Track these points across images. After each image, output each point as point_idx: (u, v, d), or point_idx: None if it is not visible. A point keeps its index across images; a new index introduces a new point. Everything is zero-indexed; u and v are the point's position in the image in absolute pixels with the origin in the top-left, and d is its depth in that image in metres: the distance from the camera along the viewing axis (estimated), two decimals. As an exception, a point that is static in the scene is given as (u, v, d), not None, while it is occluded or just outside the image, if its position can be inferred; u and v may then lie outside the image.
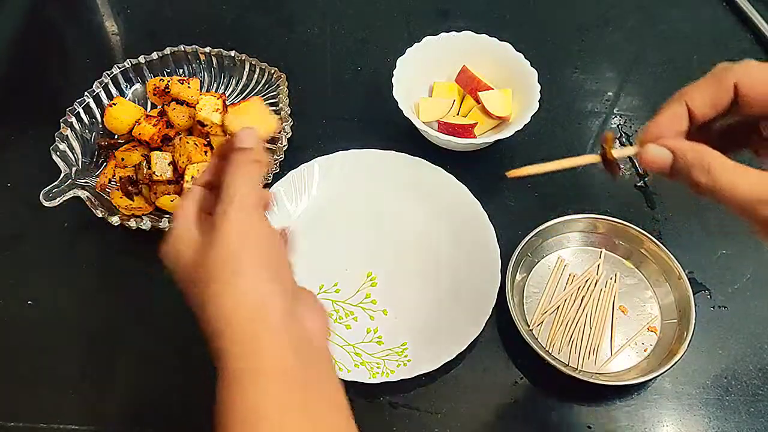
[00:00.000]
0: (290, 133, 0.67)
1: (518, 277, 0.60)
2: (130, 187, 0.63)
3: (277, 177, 0.65)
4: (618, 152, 0.39)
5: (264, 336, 0.32)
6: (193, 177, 0.61)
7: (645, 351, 0.58)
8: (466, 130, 0.67)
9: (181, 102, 0.67)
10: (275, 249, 0.36)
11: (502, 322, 0.59)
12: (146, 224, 0.60)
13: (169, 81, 0.67)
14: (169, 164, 0.63)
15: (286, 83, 0.69)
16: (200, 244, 0.35)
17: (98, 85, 0.67)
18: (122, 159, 0.65)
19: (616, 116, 0.75)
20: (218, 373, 0.34)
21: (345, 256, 0.63)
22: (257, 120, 0.44)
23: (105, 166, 0.66)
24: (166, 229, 0.39)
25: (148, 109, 0.70)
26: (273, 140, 0.68)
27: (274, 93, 0.70)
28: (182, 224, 0.37)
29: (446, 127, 0.68)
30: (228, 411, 0.33)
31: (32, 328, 0.59)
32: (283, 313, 0.33)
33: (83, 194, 0.60)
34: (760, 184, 0.32)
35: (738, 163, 0.34)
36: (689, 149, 0.35)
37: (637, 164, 0.41)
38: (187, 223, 0.37)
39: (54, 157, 0.62)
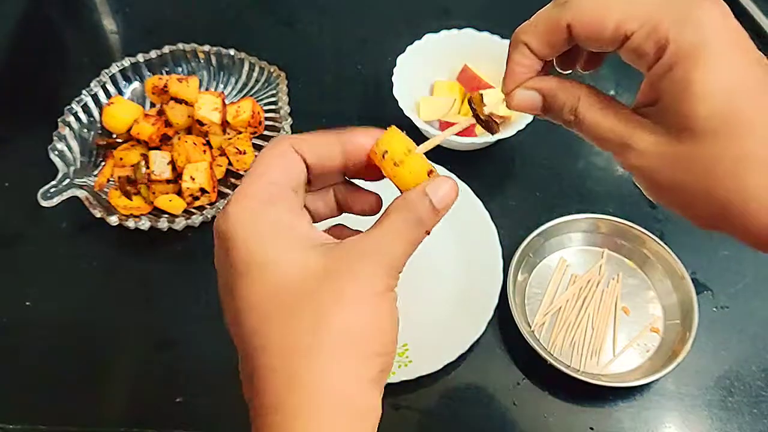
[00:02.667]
0: (290, 132, 0.67)
1: (520, 277, 0.60)
2: (128, 187, 0.62)
3: (276, 176, 0.65)
4: (489, 108, 0.36)
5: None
6: (191, 177, 0.60)
7: (647, 352, 0.57)
8: (467, 130, 0.67)
9: (179, 101, 0.66)
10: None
11: (503, 322, 0.58)
12: (145, 224, 0.59)
13: (167, 80, 0.67)
14: (167, 164, 0.62)
15: (286, 82, 0.69)
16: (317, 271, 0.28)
17: (96, 84, 0.67)
18: (120, 158, 0.64)
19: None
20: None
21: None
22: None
23: (103, 166, 0.65)
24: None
25: (147, 108, 0.70)
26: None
27: (274, 92, 0.70)
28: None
29: (447, 126, 0.67)
30: None
31: (31, 328, 0.59)
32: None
33: (81, 194, 0.59)
34: (619, 126, 0.32)
35: (605, 100, 0.33)
36: (558, 88, 0.34)
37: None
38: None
39: (52, 156, 0.61)
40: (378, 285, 0.28)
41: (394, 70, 0.67)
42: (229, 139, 0.66)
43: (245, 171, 0.66)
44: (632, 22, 0.29)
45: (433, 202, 0.31)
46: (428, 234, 0.31)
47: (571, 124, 0.33)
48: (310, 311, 0.26)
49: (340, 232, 0.34)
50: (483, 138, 0.66)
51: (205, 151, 0.64)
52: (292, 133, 0.67)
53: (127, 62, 0.69)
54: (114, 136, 0.67)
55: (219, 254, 0.29)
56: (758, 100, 0.28)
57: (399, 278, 0.30)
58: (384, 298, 0.29)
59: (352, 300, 0.27)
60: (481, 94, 0.37)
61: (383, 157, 0.34)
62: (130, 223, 0.59)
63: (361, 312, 0.27)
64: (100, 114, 0.67)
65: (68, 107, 0.65)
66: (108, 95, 0.68)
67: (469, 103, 0.37)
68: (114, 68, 0.68)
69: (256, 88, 0.72)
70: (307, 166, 0.32)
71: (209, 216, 0.61)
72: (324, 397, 0.26)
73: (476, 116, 0.37)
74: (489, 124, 0.37)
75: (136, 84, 0.70)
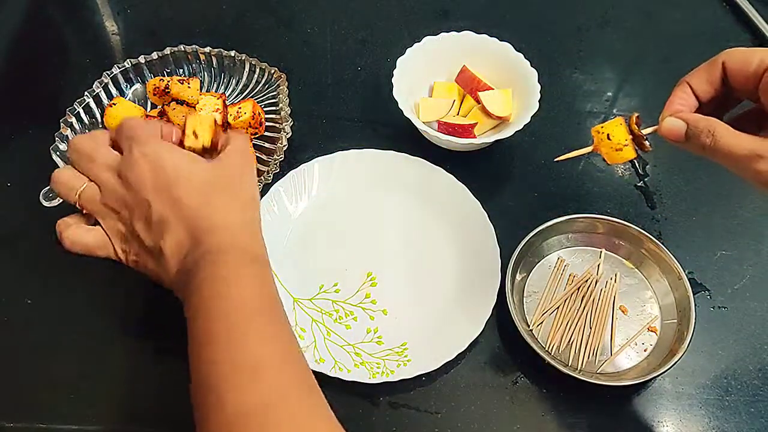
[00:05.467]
0: (290, 133, 0.67)
1: (518, 276, 0.60)
2: (129, 187, 0.63)
3: (277, 177, 0.65)
4: (645, 130, 0.47)
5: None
6: (194, 132, 0.57)
7: (645, 351, 0.58)
8: (466, 130, 0.67)
9: (181, 102, 0.66)
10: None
11: (502, 322, 0.59)
12: (146, 224, 0.60)
13: (169, 81, 0.67)
14: (169, 164, 0.63)
15: (287, 83, 0.69)
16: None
17: (98, 85, 0.67)
18: (122, 159, 0.65)
19: (615, 116, 0.75)
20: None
21: (345, 256, 0.63)
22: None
23: (105, 166, 0.66)
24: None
25: (148, 109, 0.70)
26: (273, 140, 0.68)
27: (274, 93, 0.70)
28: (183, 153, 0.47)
29: (446, 127, 0.68)
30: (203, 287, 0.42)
31: (32, 328, 0.59)
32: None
33: (83, 194, 0.60)
34: (753, 143, 0.40)
35: (735, 128, 0.42)
36: (699, 118, 0.43)
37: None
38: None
39: (54, 157, 0.62)
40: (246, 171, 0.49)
41: (394, 71, 0.68)
42: (230, 139, 0.66)
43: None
44: None
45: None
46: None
47: (707, 148, 0.43)
48: (230, 189, 0.46)
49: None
50: (482, 138, 0.67)
51: (205, 152, 0.64)
52: (293, 133, 0.67)
53: (128, 63, 0.69)
54: (115, 136, 0.67)
55: (144, 169, 0.44)
56: None
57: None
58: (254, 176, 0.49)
59: (241, 183, 0.47)
60: (638, 116, 0.48)
61: (608, 138, 0.49)
62: (131, 223, 0.59)
63: (247, 186, 0.48)
64: (102, 115, 0.67)
65: (70, 108, 0.65)
66: (109, 96, 0.68)
67: (629, 123, 0.48)
68: (115, 69, 0.69)
69: (256, 90, 0.72)
70: None
71: (210, 216, 0.61)
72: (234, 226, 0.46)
73: (632, 132, 0.48)
74: (641, 142, 0.48)
75: (137, 85, 0.71)
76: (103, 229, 0.47)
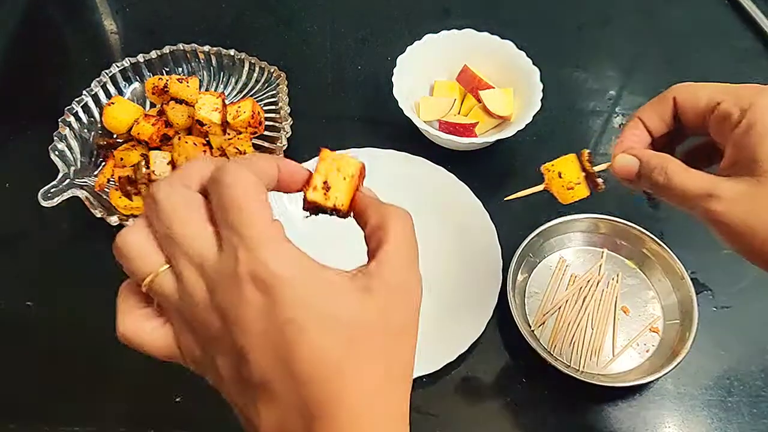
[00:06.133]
0: (290, 133, 0.67)
1: (520, 277, 0.60)
2: (128, 187, 0.62)
3: (276, 177, 0.65)
4: (598, 167, 0.45)
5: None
6: (326, 182, 0.47)
7: (647, 352, 0.57)
8: (467, 130, 0.67)
9: (180, 101, 0.66)
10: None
11: (503, 322, 0.58)
12: (145, 224, 0.59)
13: (168, 80, 0.67)
14: (168, 164, 0.62)
15: (286, 82, 0.69)
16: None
17: (97, 84, 0.67)
18: (121, 158, 0.64)
19: (618, 115, 0.74)
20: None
21: (345, 256, 0.62)
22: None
23: (104, 166, 0.65)
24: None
25: (147, 108, 0.70)
26: (273, 140, 0.68)
27: (274, 92, 0.70)
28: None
29: (447, 127, 0.67)
30: None
31: (32, 328, 0.59)
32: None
33: (82, 194, 0.59)
34: (705, 181, 0.39)
35: (688, 165, 0.41)
36: (652, 155, 0.42)
37: (648, 193, 0.51)
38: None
39: (52, 156, 0.61)
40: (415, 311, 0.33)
41: (394, 70, 0.68)
42: (230, 139, 0.66)
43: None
44: (720, 95, 0.40)
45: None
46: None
47: (660, 186, 0.41)
48: (381, 355, 0.29)
49: None
50: (483, 138, 0.66)
51: (205, 152, 0.64)
52: (293, 132, 0.67)
53: (127, 62, 0.69)
54: (114, 136, 0.67)
55: (252, 301, 0.26)
56: None
57: None
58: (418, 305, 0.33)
59: (409, 336, 0.32)
60: (590, 153, 0.46)
61: (559, 176, 0.46)
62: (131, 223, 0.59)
63: (411, 344, 0.32)
64: (101, 114, 0.67)
65: (69, 107, 0.65)
66: (108, 95, 0.68)
67: (579, 157, 0.46)
68: (114, 68, 0.68)
69: (256, 89, 0.72)
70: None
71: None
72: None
73: (583, 169, 0.46)
74: (592, 179, 0.46)
75: (136, 84, 0.70)
76: (175, 333, 0.30)
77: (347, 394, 0.27)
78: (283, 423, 0.27)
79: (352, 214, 0.34)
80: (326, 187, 0.33)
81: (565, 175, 0.46)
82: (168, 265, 0.28)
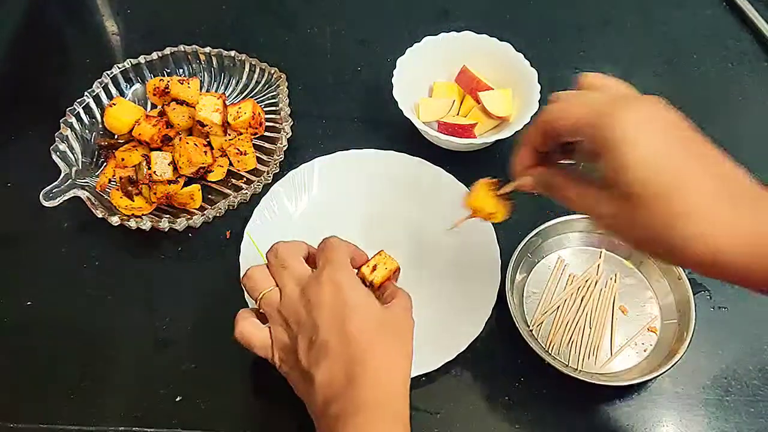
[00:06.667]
0: (290, 133, 0.67)
1: (518, 277, 0.60)
2: (130, 187, 0.63)
3: (277, 177, 0.65)
4: (503, 188, 0.50)
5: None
6: (375, 265, 0.58)
7: (645, 351, 0.58)
8: (466, 130, 0.67)
9: (180, 102, 0.67)
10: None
11: (501, 322, 0.58)
12: (146, 224, 0.60)
13: (169, 81, 0.67)
14: (169, 164, 0.63)
15: (286, 83, 0.69)
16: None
17: (98, 85, 0.68)
18: (122, 159, 0.65)
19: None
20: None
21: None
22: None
23: (105, 166, 0.66)
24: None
25: (148, 109, 0.70)
26: (273, 140, 0.68)
27: (274, 93, 0.70)
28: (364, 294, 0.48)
29: (446, 127, 0.68)
30: None
31: (32, 328, 0.59)
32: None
33: (83, 194, 0.60)
34: (588, 199, 0.42)
35: (577, 179, 0.43)
36: (540, 173, 0.46)
37: None
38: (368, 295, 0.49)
39: (54, 157, 0.62)
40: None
41: (394, 71, 0.68)
42: (230, 140, 0.66)
43: (246, 172, 0.67)
44: (581, 129, 0.40)
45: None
46: None
47: (559, 200, 0.45)
48: (395, 340, 0.47)
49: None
50: (482, 139, 0.67)
51: (206, 152, 0.64)
52: (293, 133, 0.67)
53: (128, 63, 0.69)
54: (115, 136, 0.67)
55: (326, 291, 0.46)
56: (683, 168, 0.37)
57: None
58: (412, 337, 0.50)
59: (409, 335, 0.49)
60: (495, 179, 0.51)
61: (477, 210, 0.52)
62: (132, 224, 0.59)
63: (410, 339, 0.49)
64: (102, 115, 0.67)
65: (70, 108, 0.65)
66: (109, 96, 0.68)
67: (489, 188, 0.51)
68: (115, 69, 0.69)
69: (256, 90, 0.72)
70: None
71: (210, 216, 0.62)
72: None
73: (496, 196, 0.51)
74: (505, 200, 0.51)
75: (137, 85, 0.71)
76: (271, 333, 0.48)
77: (372, 357, 0.44)
78: (333, 373, 0.43)
79: (379, 289, 0.53)
80: (373, 269, 0.52)
81: (482, 209, 0.51)
82: (276, 287, 0.49)
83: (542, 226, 0.61)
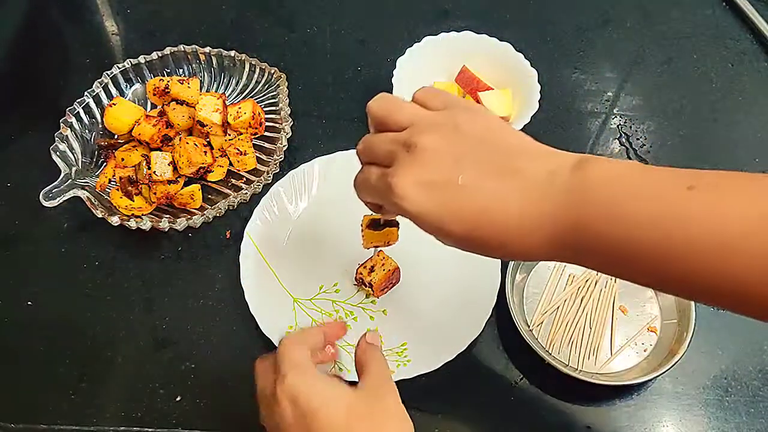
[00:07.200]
0: (290, 133, 0.67)
1: (518, 277, 0.60)
2: (129, 187, 0.63)
3: (277, 177, 0.65)
4: (383, 217, 0.52)
5: None
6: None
7: (645, 351, 0.58)
8: (466, 130, 0.67)
9: (180, 102, 0.67)
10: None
11: (502, 322, 0.59)
12: (146, 224, 0.60)
13: (168, 81, 0.67)
14: (168, 164, 0.63)
15: (286, 83, 0.69)
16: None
17: (98, 85, 0.68)
18: (122, 159, 0.65)
19: (615, 116, 0.75)
20: None
21: (345, 256, 0.63)
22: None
23: (105, 166, 0.66)
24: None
25: (148, 109, 0.70)
26: (273, 140, 0.68)
27: (274, 93, 0.70)
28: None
29: (446, 127, 0.68)
30: None
31: (32, 328, 0.59)
32: None
33: (83, 194, 0.60)
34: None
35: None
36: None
37: None
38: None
39: (54, 157, 0.62)
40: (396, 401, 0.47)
41: (394, 71, 0.68)
42: (230, 140, 0.66)
43: (246, 172, 0.67)
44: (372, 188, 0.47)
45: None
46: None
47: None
48: (374, 418, 0.44)
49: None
50: (482, 139, 0.67)
51: (206, 152, 0.64)
52: (293, 133, 0.67)
53: (128, 63, 0.69)
54: (115, 136, 0.67)
55: (286, 408, 0.44)
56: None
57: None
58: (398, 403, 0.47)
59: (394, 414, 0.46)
60: (372, 218, 0.53)
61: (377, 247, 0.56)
62: (132, 223, 0.59)
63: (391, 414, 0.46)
64: (102, 115, 0.67)
65: (70, 108, 0.65)
66: (109, 96, 0.68)
67: (372, 227, 0.54)
68: (115, 69, 0.69)
69: (256, 90, 0.72)
70: None
71: (210, 216, 0.61)
72: None
73: (384, 225, 0.53)
74: (392, 223, 0.53)
75: (137, 85, 0.71)
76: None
77: None
78: None
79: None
80: (371, 270, 0.57)
81: (380, 243, 0.54)
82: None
83: (542, 226, 0.61)
